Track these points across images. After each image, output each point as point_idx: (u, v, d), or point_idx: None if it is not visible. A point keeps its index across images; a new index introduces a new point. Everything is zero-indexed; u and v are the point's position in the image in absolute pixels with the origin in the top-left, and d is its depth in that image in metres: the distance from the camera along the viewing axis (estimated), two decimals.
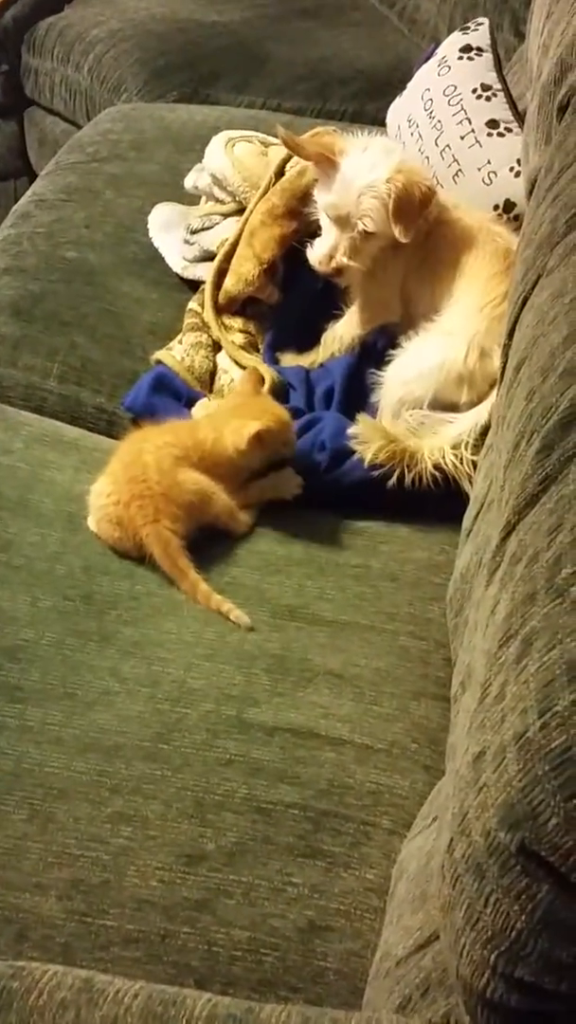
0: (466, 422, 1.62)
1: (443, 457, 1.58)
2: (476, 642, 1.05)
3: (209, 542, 1.51)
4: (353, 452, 1.60)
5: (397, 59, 2.78)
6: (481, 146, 1.95)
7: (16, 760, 1.25)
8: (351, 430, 1.62)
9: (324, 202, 1.74)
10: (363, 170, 1.69)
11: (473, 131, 1.96)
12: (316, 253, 1.76)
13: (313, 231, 1.80)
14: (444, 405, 1.67)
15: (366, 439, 1.60)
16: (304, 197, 1.83)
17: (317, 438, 1.63)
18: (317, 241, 1.77)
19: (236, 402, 1.64)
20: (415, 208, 1.69)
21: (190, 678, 1.35)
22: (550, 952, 0.74)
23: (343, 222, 1.72)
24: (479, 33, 2.11)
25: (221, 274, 1.87)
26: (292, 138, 1.74)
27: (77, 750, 1.26)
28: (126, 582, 1.45)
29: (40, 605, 1.42)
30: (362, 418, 1.64)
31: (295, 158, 1.85)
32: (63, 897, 1.15)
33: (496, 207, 1.87)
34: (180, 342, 1.84)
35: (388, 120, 2.17)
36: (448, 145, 1.97)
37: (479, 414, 1.61)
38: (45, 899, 1.14)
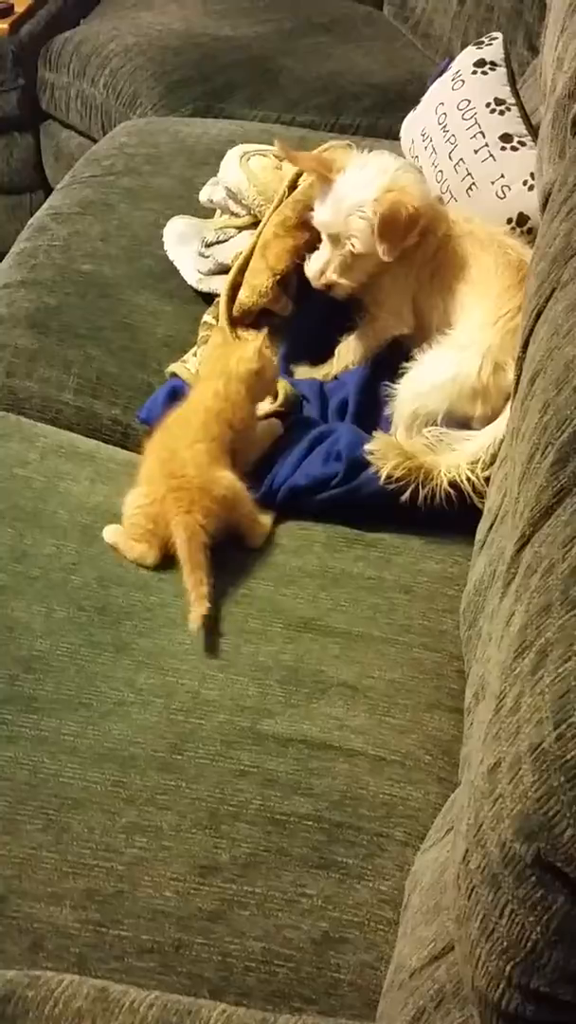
0: (484, 438, 1.62)
1: (459, 474, 1.58)
2: (490, 654, 1.05)
3: (224, 554, 1.51)
4: (369, 464, 1.60)
5: (410, 73, 2.79)
6: (495, 160, 1.95)
7: (31, 770, 1.26)
8: (368, 446, 1.62)
9: (317, 219, 1.77)
10: (354, 189, 1.72)
11: (487, 145, 1.97)
12: (310, 268, 1.79)
13: None
14: (458, 419, 1.67)
15: (382, 456, 1.60)
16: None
17: (332, 448, 1.63)
18: (314, 255, 1.80)
19: (217, 354, 1.68)
20: (400, 229, 1.70)
21: (204, 689, 1.35)
22: (566, 963, 0.74)
23: (335, 240, 1.75)
24: (493, 48, 2.12)
25: (235, 287, 1.88)
26: (288, 150, 1.76)
27: (92, 760, 1.27)
28: (141, 593, 1.46)
29: (55, 616, 1.42)
30: (379, 435, 1.64)
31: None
32: (78, 907, 1.15)
33: (509, 220, 1.88)
34: (195, 355, 1.84)
35: (402, 134, 2.18)
36: (462, 159, 1.97)
37: (497, 429, 1.61)
38: (60, 909, 1.15)
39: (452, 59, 2.44)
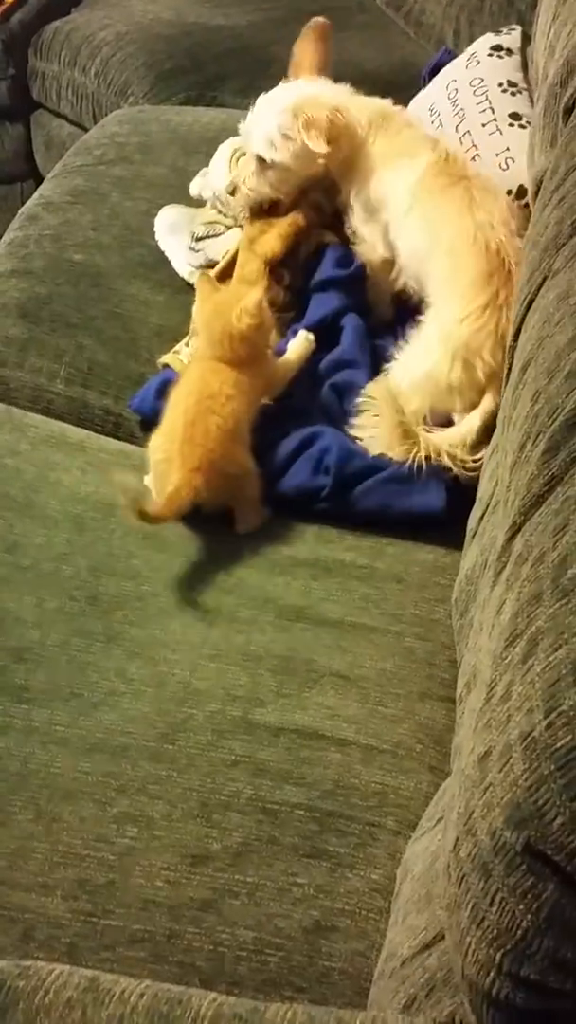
0: (463, 427, 1.63)
1: (440, 454, 1.58)
2: (482, 643, 1.05)
3: (215, 541, 1.51)
4: (362, 479, 1.59)
5: (403, 61, 2.78)
6: (501, 134, 1.96)
7: (22, 761, 1.26)
8: (365, 390, 1.64)
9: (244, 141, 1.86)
10: (271, 104, 1.81)
11: (495, 119, 1.98)
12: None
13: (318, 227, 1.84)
14: (443, 414, 1.68)
15: (376, 406, 1.61)
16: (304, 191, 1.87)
17: (322, 459, 1.61)
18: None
19: (209, 307, 1.68)
20: (323, 124, 1.74)
21: (196, 679, 1.35)
22: (556, 951, 0.74)
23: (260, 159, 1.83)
24: (511, 36, 2.15)
25: (222, 280, 1.88)
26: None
27: (83, 751, 1.27)
28: (132, 583, 1.46)
29: (46, 606, 1.42)
30: (379, 380, 1.65)
31: None
32: (69, 897, 1.15)
33: (510, 192, 1.87)
34: (187, 345, 1.84)
35: (409, 110, 2.18)
36: (468, 131, 1.98)
37: (473, 418, 1.63)
38: (51, 899, 1.15)
39: (448, 49, 2.45)
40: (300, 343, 1.73)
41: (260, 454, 1.60)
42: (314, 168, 1.80)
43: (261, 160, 1.81)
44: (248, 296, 1.59)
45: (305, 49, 1.92)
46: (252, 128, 1.83)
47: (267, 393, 1.66)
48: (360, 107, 1.82)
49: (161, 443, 1.55)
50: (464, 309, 1.66)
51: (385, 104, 1.87)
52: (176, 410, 1.56)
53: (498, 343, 1.60)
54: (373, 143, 1.80)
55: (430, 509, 1.57)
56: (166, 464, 1.51)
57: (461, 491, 1.57)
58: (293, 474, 1.61)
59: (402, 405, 1.62)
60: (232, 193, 1.91)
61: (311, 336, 1.74)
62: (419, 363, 1.67)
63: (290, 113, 1.77)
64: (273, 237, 1.84)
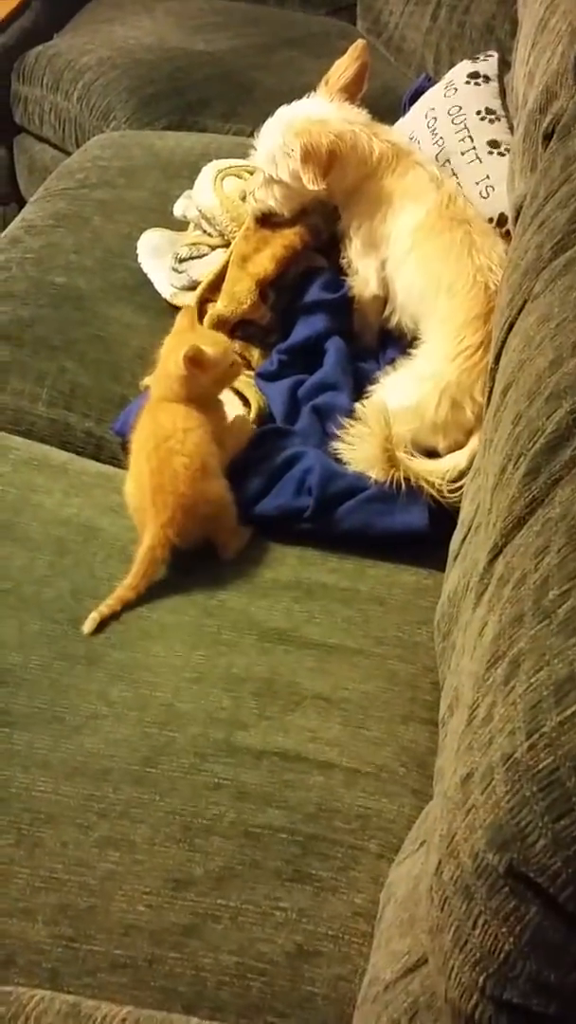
0: (447, 462, 1.64)
1: (422, 482, 1.59)
2: (464, 664, 1.05)
3: (198, 564, 1.51)
4: (345, 499, 1.59)
5: (384, 87, 2.79)
6: (481, 162, 1.97)
7: (3, 784, 1.25)
8: (359, 407, 1.64)
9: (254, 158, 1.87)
10: (278, 122, 1.83)
11: (474, 148, 1.99)
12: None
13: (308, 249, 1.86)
14: (424, 449, 1.68)
15: (367, 426, 1.61)
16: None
17: (304, 479, 1.61)
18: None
19: (174, 341, 1.66)
20: (322, 157, 1.75)
21: (178, 701, 1.34)
22: (539, 974, 0.74)
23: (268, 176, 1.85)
24: (488, 63, 2.16)
25: (202, 304, 1.88)
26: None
27: (64, 774, 1.26)
28: None
29: (28, 629, 1.41)
30: (373, 402, 1.66)
31: None
32: (50, 922, 1.14)
33: (491, 219, 1.89)
34: None
35: None
36: (448, 160, 2.00)
37: (456, 459, 1.63)
38: (32, 924, 1.14)
39: (428, 75, 2.47)
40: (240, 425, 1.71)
41: (241, 475, 1.60)
42: (315, 192, 1.80)
43: (286, 185, 1.81)
44: (190, 347, 1.54)
45: (340, 67, 1.92)
46: (261, 141, 1.84)
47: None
48: (374, 137, 1.82)
49: (133, 490, 1.54)
50: (456, 348, 1.67)
51: (400, 139, 1.88)
52: (140, 456, 1.54)
53: (488, 383, 1.61)
54: (381, 178, 1.80)
55: (412, 528, 1.57)
56: (141, 513, 1.51)
57: (443, 512, 1.57)
58: (275, 495, 1.61)
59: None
60: (243, 199, 1.92)
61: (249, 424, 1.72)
62: (407, 393, 1.68)
63: (293, 134, 1.78)
64: (266, 258, 1.85)
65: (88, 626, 1.42)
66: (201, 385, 1.58)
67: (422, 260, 1.77)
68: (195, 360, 1.54)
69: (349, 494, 1.59)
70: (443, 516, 1.57)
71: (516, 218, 1.53)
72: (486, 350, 1.62)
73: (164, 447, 1.51)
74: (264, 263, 1.85)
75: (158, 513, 1.48)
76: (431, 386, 1.66)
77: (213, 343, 1.60)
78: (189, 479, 1.49)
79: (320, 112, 1.83)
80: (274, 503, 1.60)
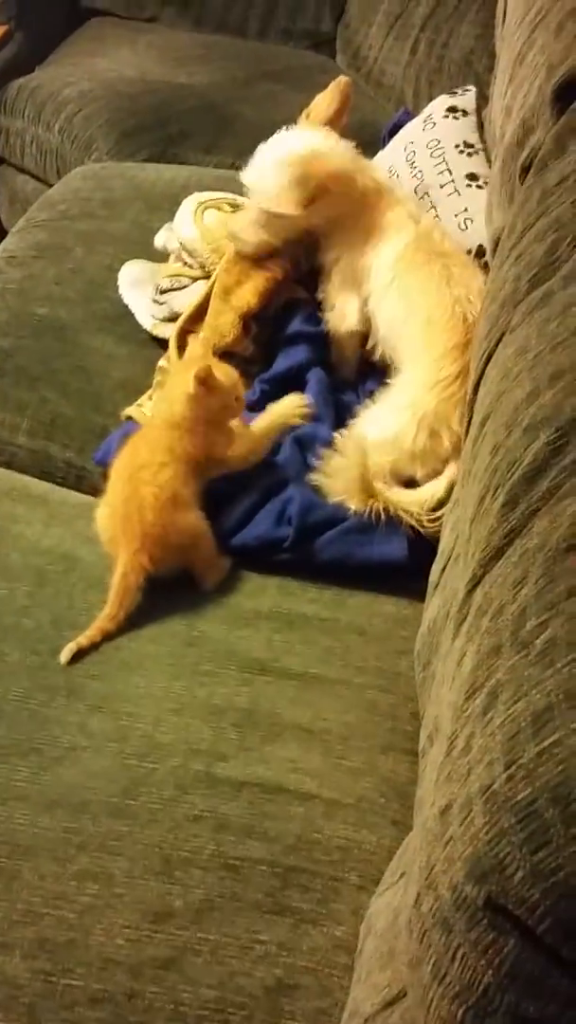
0: (424, 492, 1.64)
1: (400, 511, 1.60)
2: (443, 695, 1.06)
3: (177, 594, 1.51)
4: (324, 529, 1.59)
5: (363, 121, 2.81)
6: (460, 195, 1.99)
7: None
8: (338, 437, 1.65)
9: (245, 178, 1.87)
10: (272, 149, 1.85)
11: (453, 181, 2.01)
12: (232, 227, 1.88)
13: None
14: (403, 478, 1.69)
15: (343, 459, 1.62)
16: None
17: (285, 509, 1.61)
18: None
19: (183, 367, 1.68)
20: (309, 185, 1.77)
21: (158, 733, 1.34)
22: (517, 1006, 0.74)
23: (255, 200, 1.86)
24: (466, 98, 2.19)
25: (183, 335, 1.89)
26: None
27: (43, 806, 1.25)
28: None
29: (7, 660, 1.41)
30: (350, 433, 1.67)
31: None
32: (28, 956, 1.13)
33: (469, 251, 1.91)
34: (150, 398, 1.85)
35: None
36: (427, 192, 2.02)
37: (434, 487, 1.64)
38: (10, 959, 1.13)
39: (407, 109, 2.49)
40: (282, 406, 1.71)
41: (221, 505, 1.60)
42: (298, 222, 1.82)
43: (272, 213, 1.82)
44: (202, 367, 1.56)
45: (323, 100, 1.94)
46: (252, 168, 1.86)
47: (237, 461, 1.63)
48: (360, 172, 1.84)
49: (106, 514, 1.54)
50: (434, 377, 1.68)
51: (381, 176, 1.90)
52: (116, 484, 1.55)
53: (467, 413, 1.62)
54: (362, 213, 1.82)
55: (391, 558, 1.58)
56: (113, 544, 1.51)
57: (423, 542, 1.58)
58: (255, 524, 1.61)
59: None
60: (230, 239, 1.92)
61: (301, 404, 1.72)
62: (385, 424, 1.69)
63: (287, 163, 1.79)
64: (249, 291, 1.86)
65: (65, 656, 1.41)
66: (207, 409, 1.58)
67: (403, 292, 1.78)
68: (205, 381, 1.55)
69: (328, 525, 1.59)
70: (423, 547, 1.57)
71: (494, 250, 1.54)
72: (464, 380, 1.62)
73: (136, 477, 1.52)
74: (247, 296, 1.85)
75: (128, 541, 1.48)
76: (409, 415, 1.67)
77: (224, 374, 1.61)
78: (157, 509, 1.49)
79: (313, 144, 1.84)
80: (254, 533, 1.60)
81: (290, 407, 1.70)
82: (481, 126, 2.12)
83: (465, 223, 1.95)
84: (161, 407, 1.64)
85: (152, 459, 1.54)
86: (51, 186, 2.59)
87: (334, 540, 1.58)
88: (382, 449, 1.65)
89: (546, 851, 0.72)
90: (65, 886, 1.18)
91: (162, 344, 1.96)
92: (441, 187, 2.01)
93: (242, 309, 1.85)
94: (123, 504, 1.51)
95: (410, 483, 1.68)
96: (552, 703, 0.77)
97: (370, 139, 2.26)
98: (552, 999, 0.73)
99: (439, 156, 2.05)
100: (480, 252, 1.90)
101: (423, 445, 1.66)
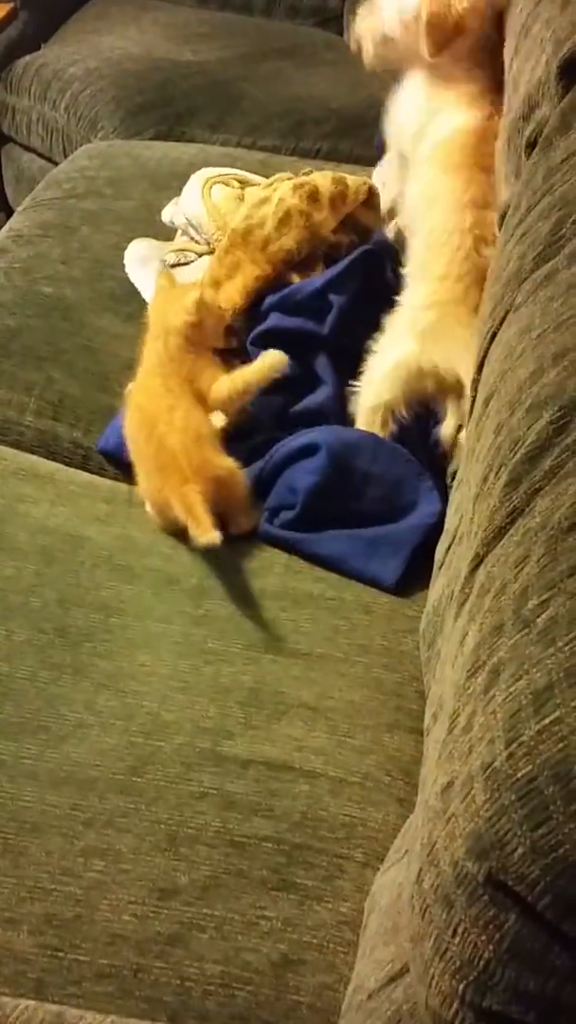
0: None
1: None
2: (446, 674, 1.06)
3: (184, 574, 1.51)
4: (336, 523, 1.60)
5: (370, 98, 2.80)
6: None
7: None
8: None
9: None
10: None
11: None
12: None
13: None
14: (420, 402, 1.69)
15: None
16: (265, 247, 1.86)
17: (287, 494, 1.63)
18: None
19: (162, 299, 1.70)
20: (447, 28, 1.85)
21: (164, 711, 1.35)
22: (518, 981, 0.74)
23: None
24: None
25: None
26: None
27: (50, 784, 1.26)
28: (100, 615, 1.46)
29: (14, 638, 1.42)
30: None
31: (261, 207, 1.87)
32: (35, 932, 1.14)
33: None
34: None
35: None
36: None
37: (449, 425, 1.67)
38: (17, 934, 1.14)
39: None
40: (265, 359, 1.68)
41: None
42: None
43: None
44: (189, 294, 1.58)
45: None
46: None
47: (219, 402, 1.63)
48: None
49: (146, 485, 1.56)
50: (431, 298, 1.70)
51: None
52: (139, 453, 1.58)
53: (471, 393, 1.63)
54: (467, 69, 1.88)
55: (379, 580, 1.56)
56: (163, 501, 1.52)
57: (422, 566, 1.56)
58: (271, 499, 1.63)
59: (377, 396, 1.68)
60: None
61: (283, 359, 1.68)
62: (388, 354, 1.70)
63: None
64: (236, 291, 1.84)
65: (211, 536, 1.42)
66: (206, 334, 1.60)
67: (425, 187, 1.81)
68: (204, 304, 1.58)
69: (342, 520, 1.60)
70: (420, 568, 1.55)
71: (500, 225, 1.54)
72: (463, 303, 1.67)
73: (156, 433, 1.54)
74: (234, 297, 1.84)
75: (175, 485, 1.49)
76: (407, 338, 1.69)
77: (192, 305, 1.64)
78: (187, 451, 1.51)
79: None
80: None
81: (271, 360, 1.68)
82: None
83: None
84: (156, 344, 1.65)
85: (160, 407, 1.56)
86: (57, 165, 2.59)
87: (337, 538, 1.58)
88: (390, 380, 1.68)
89: (546, 828, 0.72)
90: (72, 862, 1.19)
91: None
92: None
93: (225, 308, 1.84)
94: (155, 461, 1.53)
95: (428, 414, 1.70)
96: (553, 681, 0.77)
97: (376, 117, 2.24)
98: (552, 974, 0.73)
99: None
100: None
101: (426, 364, 1.66)
